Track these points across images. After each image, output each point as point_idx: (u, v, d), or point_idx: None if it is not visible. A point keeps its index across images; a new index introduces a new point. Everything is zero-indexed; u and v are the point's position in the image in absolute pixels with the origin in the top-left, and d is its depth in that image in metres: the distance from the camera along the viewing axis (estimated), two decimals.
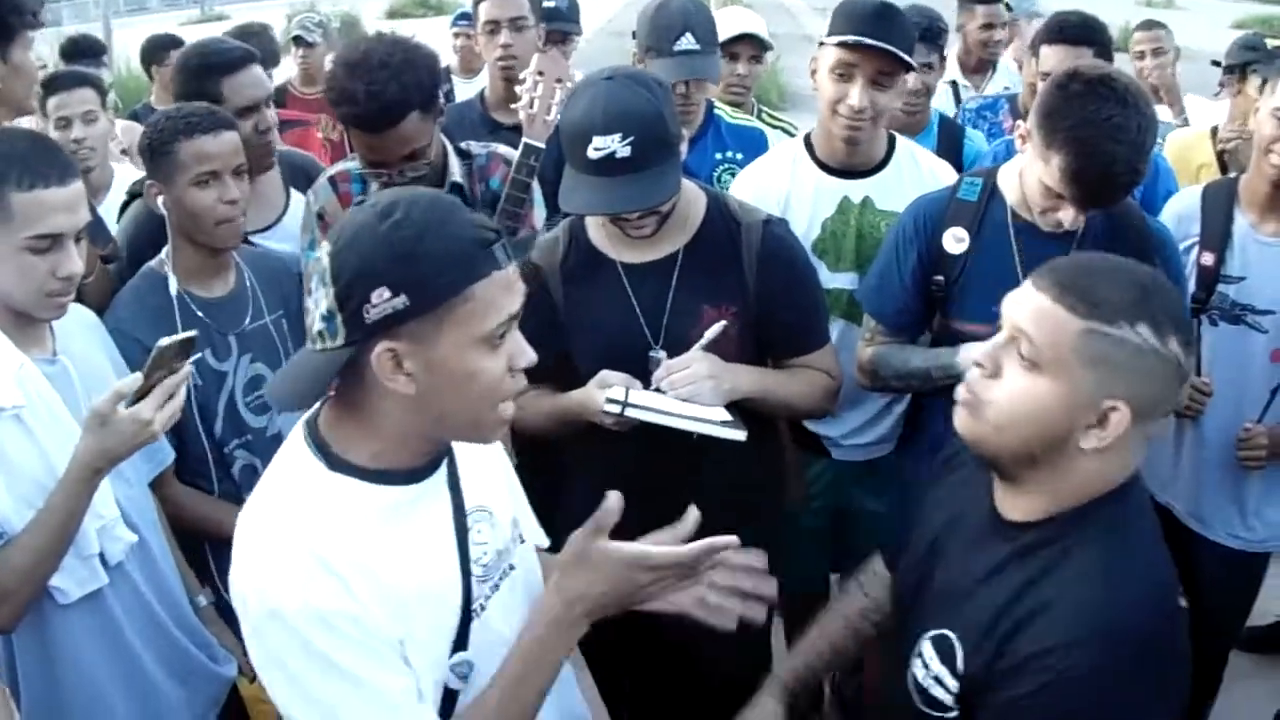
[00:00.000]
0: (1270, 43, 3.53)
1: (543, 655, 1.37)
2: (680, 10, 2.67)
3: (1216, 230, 2.46)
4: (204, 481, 2.21)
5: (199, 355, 2.05)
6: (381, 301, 1.19)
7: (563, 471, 2.30)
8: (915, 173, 2.49)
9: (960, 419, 1.42)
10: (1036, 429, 1.33)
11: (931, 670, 1.44)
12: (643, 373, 1.99)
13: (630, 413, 1.89)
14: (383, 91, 2.17)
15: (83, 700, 1.84)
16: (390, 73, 2.18)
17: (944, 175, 2.50)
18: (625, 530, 2.13)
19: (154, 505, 2.05)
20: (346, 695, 1.23)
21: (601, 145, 1.87)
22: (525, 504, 1.64)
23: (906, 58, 2.29)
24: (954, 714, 1.42)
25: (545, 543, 1.64)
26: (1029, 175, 2.03)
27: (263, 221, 2.63)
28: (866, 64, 2.29)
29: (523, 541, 1.54)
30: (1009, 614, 1.35)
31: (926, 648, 1.46)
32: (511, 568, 1.48)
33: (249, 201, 2.22)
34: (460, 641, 1.36)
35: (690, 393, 1.93)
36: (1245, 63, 3.40)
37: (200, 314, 2.17)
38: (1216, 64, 3.74)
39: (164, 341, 1.70)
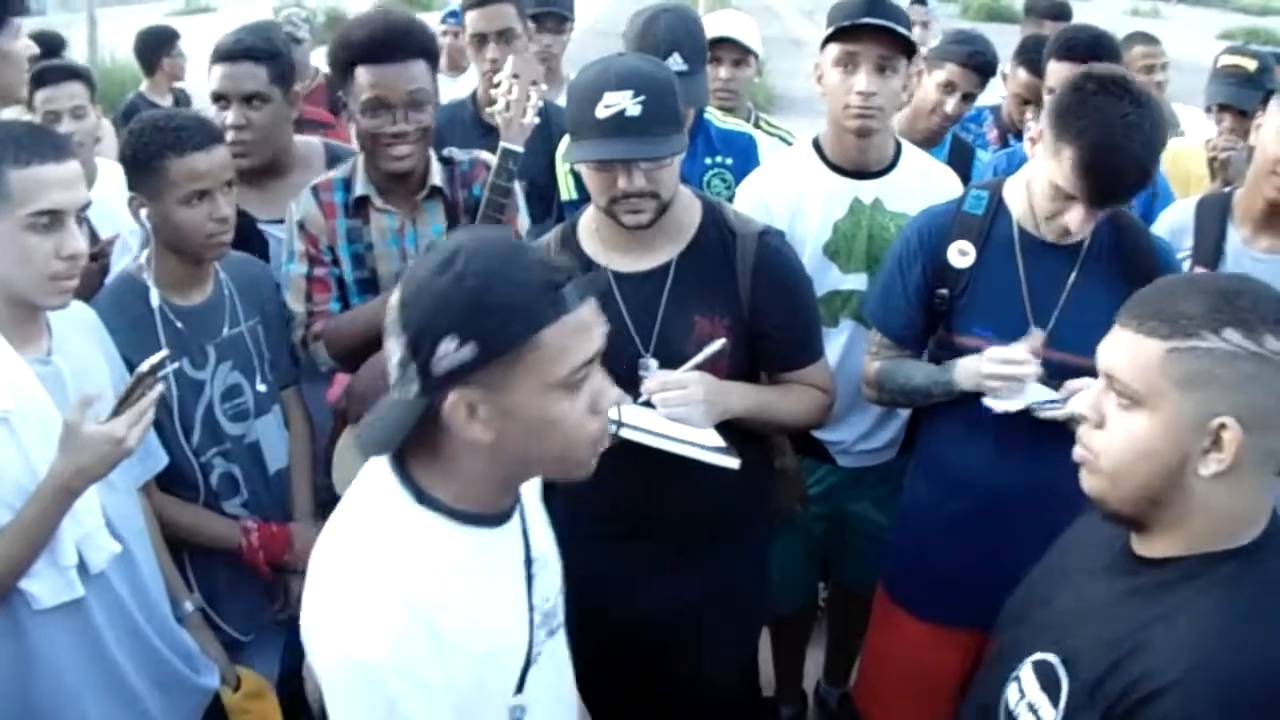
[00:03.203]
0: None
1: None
2: (668, 28, 2.58)
3: (1209, 244, 2.45)
4: (184, 490, 2.18)
5: (177, 365, 2.07)
6: (449, 352, 1.21)
7: None
8: (923, 176, 2.51)
9: (1083, 480, 1.37)
10: (1149, 466, 1.27)
11: (1027, 697, 1.37)
12: (633, 382, 1.96)
13: (624, 433, 1.87)
14: (391, 22, 2.32)
15: (57, 707, 1.81)
16: (396, 18, 2.38)
17: (950, 181, 2.52)
18: (603, 539, 2.13)
19: (141, 512, 2.01)
20: None
21: (612, 102, 1.88)
22: None
23: (905, 32, 2.31)
24: None
25: None
26: (1038, 179, 2.03)
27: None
28: (867, 49, 2.32)
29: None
30: (1119, 650, 1.27)
31: (1026, 672, 1.38)
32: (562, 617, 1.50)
33: (236, 215, 2.16)
34: (518, 686, 1.38)
35: (682, 414, 1.91)
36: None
37: (179, 324, 2.14)
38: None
39: (143, 366, 1.76)
